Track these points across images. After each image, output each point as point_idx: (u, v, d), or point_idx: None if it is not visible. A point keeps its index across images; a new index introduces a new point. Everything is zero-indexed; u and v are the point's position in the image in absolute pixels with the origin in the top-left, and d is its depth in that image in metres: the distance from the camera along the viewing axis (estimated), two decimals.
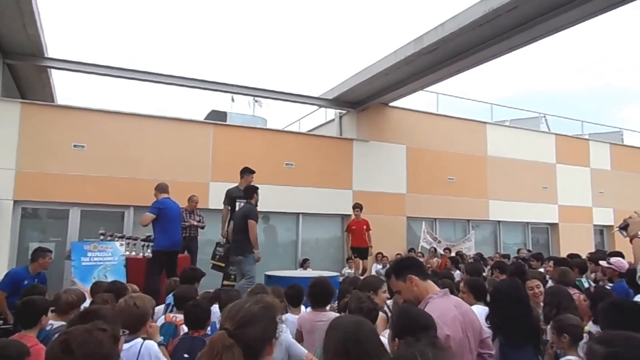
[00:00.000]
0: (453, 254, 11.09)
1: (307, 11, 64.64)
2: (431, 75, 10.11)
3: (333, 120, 13.61)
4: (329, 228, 12.04)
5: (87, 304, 4.17)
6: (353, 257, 9.89)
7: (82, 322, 2.36)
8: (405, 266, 2.75)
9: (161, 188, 7.32)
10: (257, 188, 7.46)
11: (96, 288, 4.85)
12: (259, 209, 7.60)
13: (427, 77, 10.25)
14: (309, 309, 4.07)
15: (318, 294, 3.92)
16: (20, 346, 2.50)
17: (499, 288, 3.54)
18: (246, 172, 8.05)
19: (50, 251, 6.36)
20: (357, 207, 9.91)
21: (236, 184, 8.08)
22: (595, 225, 16.02)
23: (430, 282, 2.70)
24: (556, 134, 16.01)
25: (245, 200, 7.54)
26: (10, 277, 5.91)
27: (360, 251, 9.77)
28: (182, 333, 3.73)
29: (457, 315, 2.49)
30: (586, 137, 17.26)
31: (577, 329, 3.14)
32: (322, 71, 53.87)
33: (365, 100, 12.05)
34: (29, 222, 9.26)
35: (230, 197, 7.90)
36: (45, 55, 9.45)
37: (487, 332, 2.84)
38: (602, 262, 5.88)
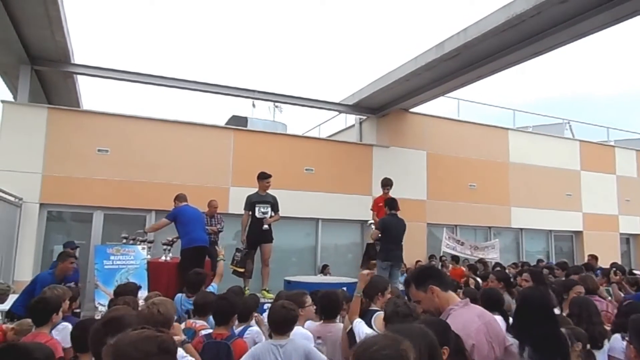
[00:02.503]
0: (475, 260, 10.92)
1: (328, 17, 64.84)
2: (452, 81, 10.04)
3: (353, 125, 13.60)
4: (348, 234, 12.00)
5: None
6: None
7: (105, 329, 2.38)
8: (427, 275, 2.69)
9: (181, 198, 7.67)
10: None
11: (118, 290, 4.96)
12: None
13: (448, 83, 10.18)
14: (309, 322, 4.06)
15: (328, 305, 3.90)
16: (47, 350, 2.54)
17: (525, 296, 3.46)
18: (259, 177, 8.06)
19: (72, 255, 6.41)
20: (388, 183, 8.93)
21: (256, 190, 8.11)
22: (621, 234, 15.66)
23: (451, 292, 2.64)
24: (580, 141, 15.72)
25: (267, 205, 7.72)
26: (36, 282, 5.93)
27: None
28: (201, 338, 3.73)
29: (480, 325, 2.44)
30: (612, 143, 16.91)
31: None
32: (342, 77, 53.91)
33: (385, 106, 12.01)
34: (54, 225, 9.46)
35: (251, 203, 7.92)
36: (72, 62, 9.65)
37: (510, 340, 2.77)
38: (637, 272, 5.75)
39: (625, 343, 3.37)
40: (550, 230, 14.72)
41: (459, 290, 6.24)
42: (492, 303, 4.11)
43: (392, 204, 7.89)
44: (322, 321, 4.02)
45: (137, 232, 8.27)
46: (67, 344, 3.75)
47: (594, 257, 10.22)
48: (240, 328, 4.01)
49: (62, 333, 3.97)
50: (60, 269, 6.05)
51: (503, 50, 8.64)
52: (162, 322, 3.01)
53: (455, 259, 11.62)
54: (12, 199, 8.28)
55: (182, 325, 4.14)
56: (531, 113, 16.96)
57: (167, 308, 3.21)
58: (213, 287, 5.11)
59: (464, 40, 8.39)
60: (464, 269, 9.93)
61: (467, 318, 2.45)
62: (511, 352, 2.62)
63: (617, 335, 3.61)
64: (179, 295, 5.19)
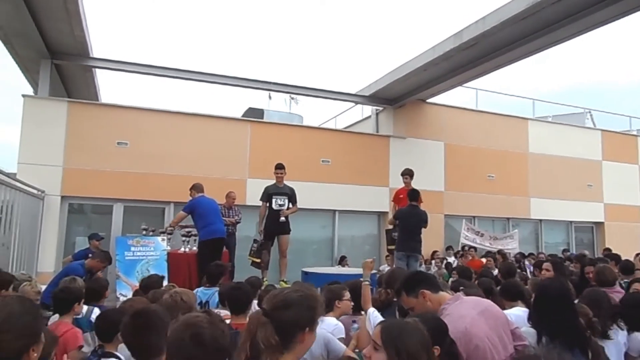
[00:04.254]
0: (495, 251, 10.82)
1: (345, 7, 64.43)
2: (470, 71, 9.91)
3: (370, 117, 13.53)
4: (365, 225, 11.99)
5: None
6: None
7: (134, 321, 2.43)
8: (416, 281, 2.70)
9: (197, 188, 7.60)
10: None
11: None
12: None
13: (466, 73, 10.05)
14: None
15: (356, 297, 3.90)
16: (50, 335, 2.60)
17: (544, 287, 3.41)
18: (275, 168, 8.11)
19: (108, 258, 6.50)
20: (408, 173, 8.74)
21: (274, 181, 8.15)
22: None
23: (442, 293, 2.64)
24: (602, 130, 15.43)
25: (284, 196, 7.79)
26: (67, 273, 6.05)
27: None
28: None
29: (475, 316, 2.41)
30: (634, 133, 16.57)
31: (584, 317, 3.11)
32: (358, 68, 53.63)
33: (402, 96, 11.91)
34: (75, 217, 9.62)
35: (268, 194, 7.97)
36: (91, 55, 9.75)
37: (515, 324, 2.75)
38: None
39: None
40: (571, 222, 14.52)
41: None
42: (512, 295, 4.07)
43: (412, 194, 7.89)
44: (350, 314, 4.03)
45: (159, 231, 8.33)
46: None
47: (607, 250, 10.09)
48: None
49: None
50: (92, 264, 6.19)
51: (522, 39, 8.49)
52: (185, 310, 3.06)
53: (474, 250, 11.53)
54: (34, 191, 8.44)
55: None
56: (551, 102, 16.67)
57: (189, 296, 3.28)
58: None
59: (482, 29, 8.27)
60: (483, 260, 9.84)
61: (461, 313, 2.43)
62: (518, 335, 2.60)
63: (637, 334, 3.53)
64: (199, 288, 5.23)
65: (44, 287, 5.17)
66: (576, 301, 3.45)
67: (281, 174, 8.04)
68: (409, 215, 7.75)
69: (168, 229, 8.10)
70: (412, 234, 7.67)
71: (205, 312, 1.85)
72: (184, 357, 1.66)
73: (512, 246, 11.86)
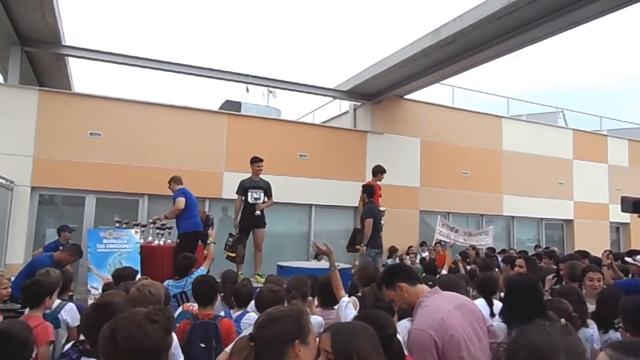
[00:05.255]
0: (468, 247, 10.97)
1: (323, 2, 64.22)
2: (448, 68, 10.00)
3: (347, 112, 13.55)
4: (341, 220, 12.02)
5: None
6: None
7: (96, 314, 2.37)
8: (394, 274, 2.78)
9: (177, 180, 7.71)
10: None
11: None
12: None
13: (443, 70, 10.13)
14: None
15: (328, 292, 3.92)
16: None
17: (514, 282, 3.50)
18: (251, 161, 8.08)
19: (78, 252, 6.39)
20: (384, 171, 8.86)
21: (249, 175, 8.11)
22: (611, 223, 15.79)
23: (420, 285, 2.72)
24: (574, 130, 15.78)
25: (260, 190, 7.85)
26: (34, 265, 5.89)
27: None
28: None
29: (451, 309, 2.49)
30: (604, 133, 17.00)
31: (564, 312, 3.18)
32: (337, 63, 53.63)
33: (380, 92, 11.97)
34: (45, 208, 9.40)
35: (243, 188, 7.94)
36: (63, 44, 9.52)
37: (490, 321, 2.83)
38: (629, 259, 5.79)
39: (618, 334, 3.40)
40: (542, 219, 14.83)
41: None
42: (487, 290, 4.16)
43: (370, 191, 8.07)
44: (320, 307, 4.05)
45: (155, 218, 8.04)
46: (77, 322, 3.84)
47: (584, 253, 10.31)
48: (239, 313, 4.04)
49: (70, 313, 4.06)
50: (61, 257, 6.05)
51: (499, 38, 8.59)
52: (154, 303, 3.02)
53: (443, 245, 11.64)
54: (3, 181, 8.21)
55: (179, 309, 4.18)
56: (525, 101, 16.98)
57: (158, 288, 3.23)
58: (202, 271, 5.10)
59: (459, 26, 8.35)
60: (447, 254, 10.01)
61: (438, 305, 2.51)
62: (492, 332, 2.67)
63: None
64: (167, 281, 5.16)
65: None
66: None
67: (260, 167, 8.02)
68: (377, 212, 8.01)
69: (163, 220, 7.90)
70: (378, 231, 7.93)
71: (154, 309, 1.79)
72: (103, 352, 1.66)
73: (485, 242, 12.01)
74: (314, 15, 65.24)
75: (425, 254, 11.54)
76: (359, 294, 4.11)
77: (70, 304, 4.12)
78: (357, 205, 11.37)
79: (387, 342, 2.11)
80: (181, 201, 7.39)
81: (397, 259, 11.10)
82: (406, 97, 12.51)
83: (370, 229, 7.68)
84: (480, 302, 3.84)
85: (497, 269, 7.00)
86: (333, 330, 1.92)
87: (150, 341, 1.65)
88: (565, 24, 7.93)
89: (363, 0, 61.16)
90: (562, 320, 2.89)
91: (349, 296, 4.35)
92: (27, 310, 3.71)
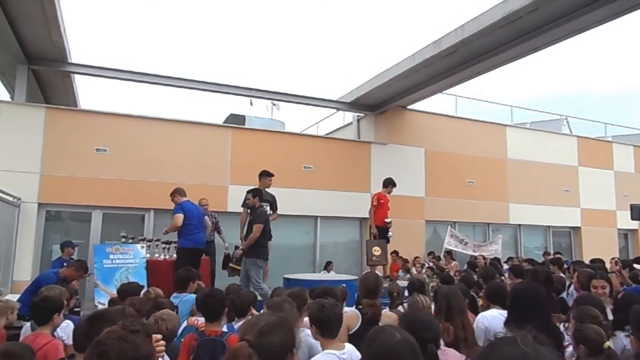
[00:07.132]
0: (477, 257, 10.93)
1: (326, 15, 64.76)
2: (450, 78, 10.03)
3: (351, 123, 13.60)
4: (347, 231, 12.00)
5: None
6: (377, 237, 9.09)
7: (89, 326, 2.35)
8: None
9: (180, 192, 7.56)
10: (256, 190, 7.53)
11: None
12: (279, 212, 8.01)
13: (446, 80, 10.17)
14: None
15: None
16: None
17: (518, 290, 3.47)
18: (262, 175, 8.09)
19: (85, 269, 6.35)
20: (395, 184, 9.17)
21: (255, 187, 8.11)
22: (619, 229, 15.69)
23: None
24: (578, 137, 15.75)
25: (266, 203, 7.72)
26: (40, 282, 5.89)
27: (385, 231, 9.17)
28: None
29: None
30: (609, 139, 16.94)
31: (596, 343, 3.08)
32: (340, 74, 53.83)
33: (383, 103, 12.01)
34: (52, 224, 9.44)
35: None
36: (69, 61, 9.63)
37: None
38: (637, 266, 5.74)
39: (629, 340, 3.36)
40: (549, 226, 14.75)
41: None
42: (498, 297, 4.10)
43: (260, 194, 7.49)
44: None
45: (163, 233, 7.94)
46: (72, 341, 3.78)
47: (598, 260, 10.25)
48: (240, 323, 4.00)
49: (66, 330, 4.00)
50: (68, 274, 6.00)
51: (500, 47, 8.63)
52: (168, 338, 3.00)
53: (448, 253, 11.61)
54: (10, 199, 8.26)
55: (184, 323, 4.16)
56: (529, 109, 16.96)
57: (174, 325, 3.21)
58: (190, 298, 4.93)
59: (461, 36, 8.39)
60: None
61: None
62: None
63: (621, 334, 3.57)
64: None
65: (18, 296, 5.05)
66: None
67: (271, 181, 8.08)
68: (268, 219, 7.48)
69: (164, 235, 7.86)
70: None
71: (126, 321, 1.73)
72: None
73: (494, 248, 11.93)
74: (316, 27, 65.74)
75: (431, 264, 11.46)
76: (361, 306, 4.07)
77: (67, 320, 4.07)
78: (359, 216, 11.41)
79: (423, 345, 2.08)
80: (178, 218, 7.19)
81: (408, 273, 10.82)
82: (409, 107, 12.54)
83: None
84: (493, 313, 3.77)
85: (502, 277, 6.95)
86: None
87: (141, 351, 1.64)
88: (567, 32, 7.95)
89: (365, 13, 61.62)
90: (606, 343, 2.89)
91: (355, 307, 4.34)
92: (27, 324, 3.69)
